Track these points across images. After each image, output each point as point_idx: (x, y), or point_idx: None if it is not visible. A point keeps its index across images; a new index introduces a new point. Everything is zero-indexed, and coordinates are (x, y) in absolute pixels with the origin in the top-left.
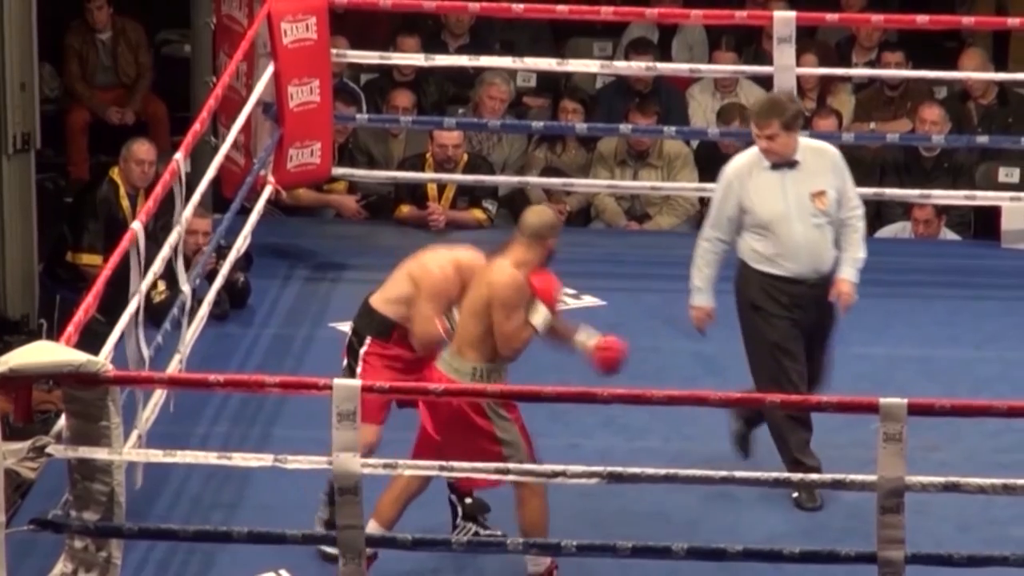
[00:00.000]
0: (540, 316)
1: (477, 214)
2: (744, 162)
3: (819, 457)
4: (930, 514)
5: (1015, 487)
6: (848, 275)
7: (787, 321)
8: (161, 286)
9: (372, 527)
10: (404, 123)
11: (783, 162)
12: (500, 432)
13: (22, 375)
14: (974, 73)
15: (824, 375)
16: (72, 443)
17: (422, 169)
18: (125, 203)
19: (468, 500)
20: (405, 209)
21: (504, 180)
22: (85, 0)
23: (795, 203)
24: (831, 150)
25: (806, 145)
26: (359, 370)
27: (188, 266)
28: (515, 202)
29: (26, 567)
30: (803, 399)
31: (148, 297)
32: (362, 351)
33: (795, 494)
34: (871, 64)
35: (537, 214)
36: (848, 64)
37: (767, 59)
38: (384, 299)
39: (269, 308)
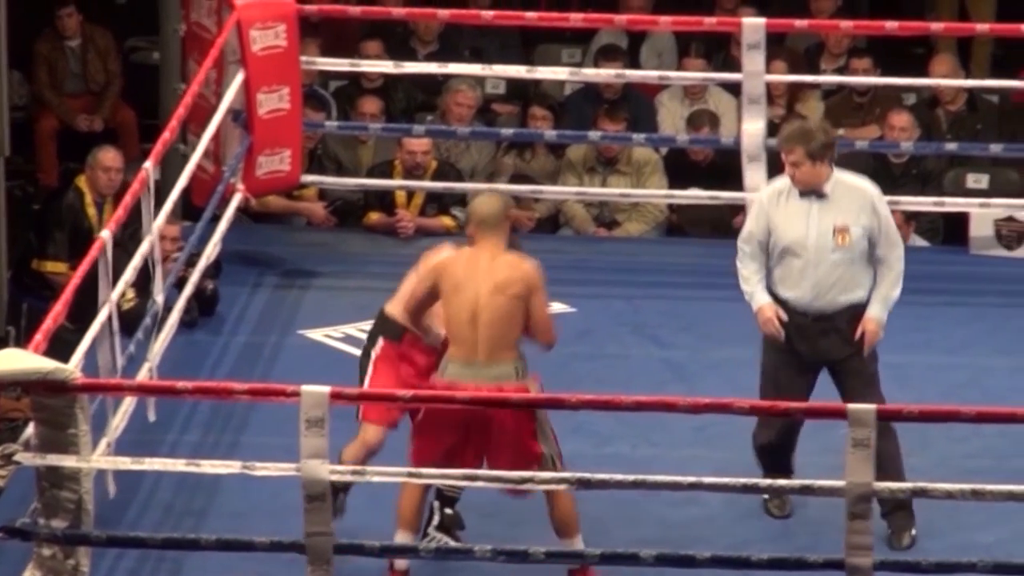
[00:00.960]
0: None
1: (446, 221)
2: (779, 186)
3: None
4: None
5: (983, 493)
6: (875, 312)
7: (785, 350)
8: (130, 294)
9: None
10: (373, 130)
11: (810, 191)
12: (539, 429)
13: None
14: (943, 80)
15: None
16: (40, 451)
17: (391, 176)
18: (91, 211)
19: (448, 512)
20: (374, 216)
21: (473, 187)
22: (55, 7)
23: (816, 235)
24: (869, 190)
25: (842, 179)
26: (369, 371)
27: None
28: None
29: None
30: (771, 405)
31: (117, 305)
32: (373, 353)
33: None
34: (840, 70)
35: (487, 204)
36: (817, 70)
37: (736, 66)
38: (396, 304)
39: (238, 315)
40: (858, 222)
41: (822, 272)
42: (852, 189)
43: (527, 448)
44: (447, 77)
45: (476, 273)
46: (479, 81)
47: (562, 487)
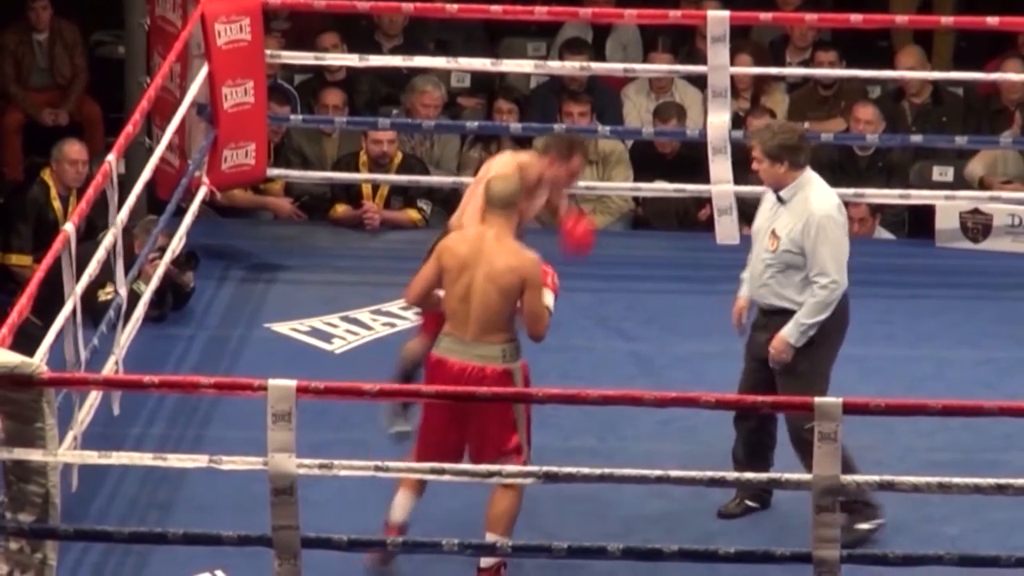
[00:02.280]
0: (549, 299)
1: (412, 214)
2: None
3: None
4: None
5: (949, 486)
6: (785, 331)
7: (748, 337)
8: (110, 287)
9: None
10: (338, 123)
11: (775, 191)
12: (518, 419)
13: None
14: (907, 72)
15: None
16: (7, 444)
17: (356, 167)
18: (56, 204)
19: None
20: (340, 209)
21: (439, 180)
22: (29, 0)
23: (763, 232)
24: (816, 213)
25: (806, 192)
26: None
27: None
28: (451, 204)
29: None
30: (738, 399)
31: (94, 297)
32: None
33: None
34: (805, 63)
35: (501, 185)
36: (782, 63)
37: (701, 59)
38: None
39: (205, 309)
40: (790, 235)
41: (757, 268)
42: (804, 203)
43: (504, 438)
44: (412, 72)
45: (478, 255)
46: (444, 75)
47: (528, 481)
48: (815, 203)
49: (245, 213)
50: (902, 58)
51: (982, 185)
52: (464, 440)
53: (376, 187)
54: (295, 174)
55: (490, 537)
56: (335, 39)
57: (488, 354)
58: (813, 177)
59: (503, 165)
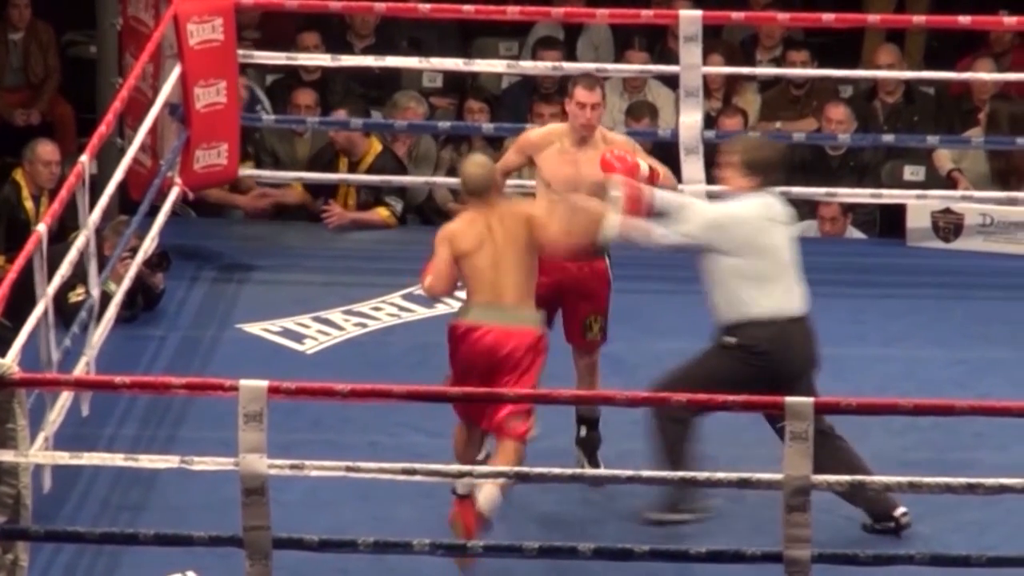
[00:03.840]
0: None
1: (382, 212)
2: None
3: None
4: (836, 513)
5: (920, 485)
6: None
7: None
8: (81, 288)
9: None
10: (310, 124)
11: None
12: (537, 383)
13: None
14: (879, 72)
15: None
16: None
17: (335, 160)
18: (28, 204)
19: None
20: (296, 191)
21: (410, 180)
22: None
23: None
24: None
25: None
26: None
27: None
28: (424, 210)
29: None
30: (709, 398)
31: (65, 298)
32: None
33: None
34: (775, 61)
35: (476, 167)
36: (753, 62)
37: (673, 58)
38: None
39: (177, 309)
40: None
41: None
42: None
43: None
44: (384, 71)
45: (489, 230)
46: (416, 75)
47: (500, 481)
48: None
49: (216, 212)
50: (879, 56)
51: (949, 178)
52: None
53: (350, 173)
54: (266, 174)
55: (487, 488)
56: (315, 39)
57: (528, 318)
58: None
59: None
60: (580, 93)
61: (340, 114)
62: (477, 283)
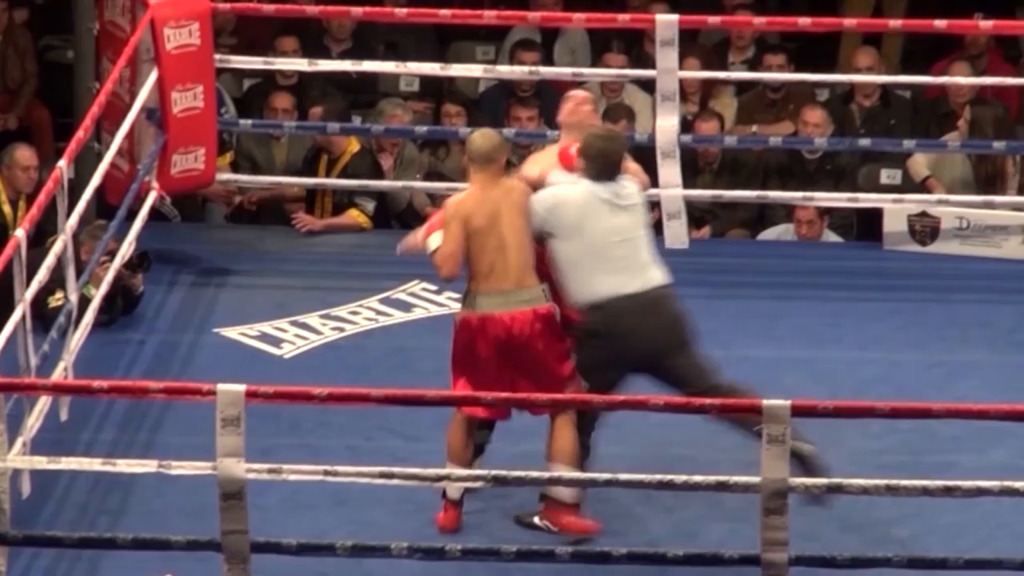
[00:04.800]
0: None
1: (353, 214)
2: None
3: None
4: (813, 515)
5: (898, 488)
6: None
7: None
8: (59, 293)
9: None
10: (287, 128)
11: None
12: (569, 350)
13: None
14: (856, 76)
15: None
16: None
17: (317, 156)
18: (6, 209)
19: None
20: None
21: (388, 185)
22: None
23: None
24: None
25: None
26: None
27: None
28: (403, 216)
29: None
30: (687, 401)
31: (44, 304)
32: None
33: None
34: (748, 63)
35: (483, 138)
36: (726, 64)
37: (650, 62)
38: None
39: (155, 314)
40: None
41: None
42: None
43: (561, 366)
44: (361, 75)
45: (497, 203)
46: (393, 79)
47: (478, 484)
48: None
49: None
50: (859, 58)
51: (924, 186)
52: (516, 378)
53: (327, 171)
54: (244, 178)
55: (559, 468)
56: (294, 44)
57: (534, 296)
58: (575, 183)
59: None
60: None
61: (317, 112)
62: (480, 268)
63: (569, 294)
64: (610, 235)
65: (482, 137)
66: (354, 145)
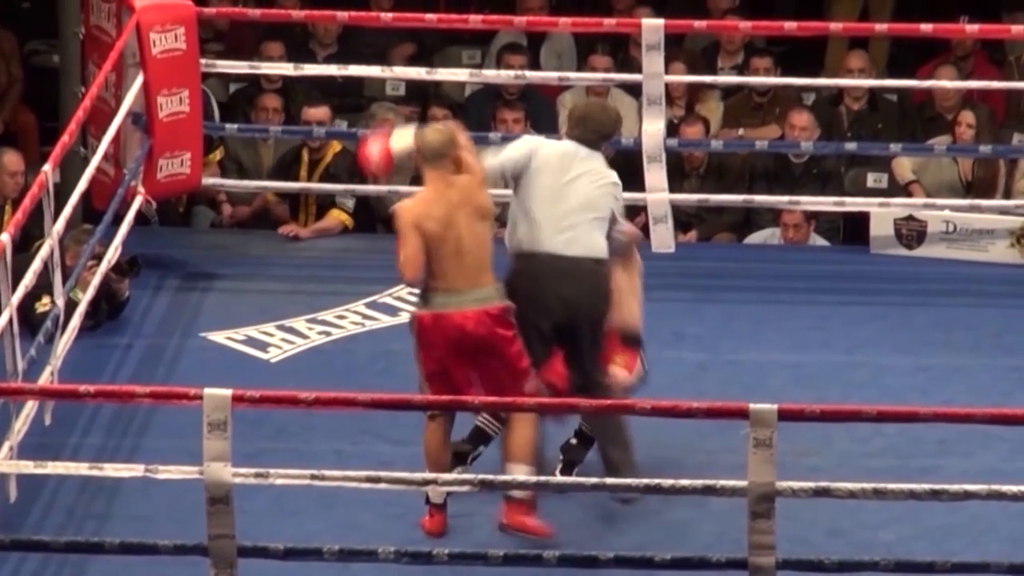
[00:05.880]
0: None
1: (336, 214)
2: None
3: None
4: (801, 519)
5: (885, 492)
6: None
7: None
8: (46, 298)
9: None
10: (273, 132)
11: None
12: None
13: None
14: (840, 80)
15: None
16: None
17: (298, 164)
18: None
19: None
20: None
21: (374, 189)
22: None
23: None
24: None
25: None
26: None
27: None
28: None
29: None
30: (673, 405)
31: (31, 309)
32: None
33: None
34: (737, 68)
35: (434, 133)
36: (715, 70)
37: (636, 66)
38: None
39: (141, 318)
40: None
41: None
42: None
43: (517, 361)
44: (347, 80)
45: (454, 206)
46: (379, 84)
47: (464, 488)
48: None
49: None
50: (850, 60)
51: (906, 190)
52: (471, 375)
53: (310, 172)
54: (230, 183)
55: (515, 468)
56: (280, 49)
57: (485, 295)
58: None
59: None
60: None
61: (308, 112)
62: (437, 269)
63: (508, 237)
64: (566, 195)
65: (433, 132)
66: (336, 144)
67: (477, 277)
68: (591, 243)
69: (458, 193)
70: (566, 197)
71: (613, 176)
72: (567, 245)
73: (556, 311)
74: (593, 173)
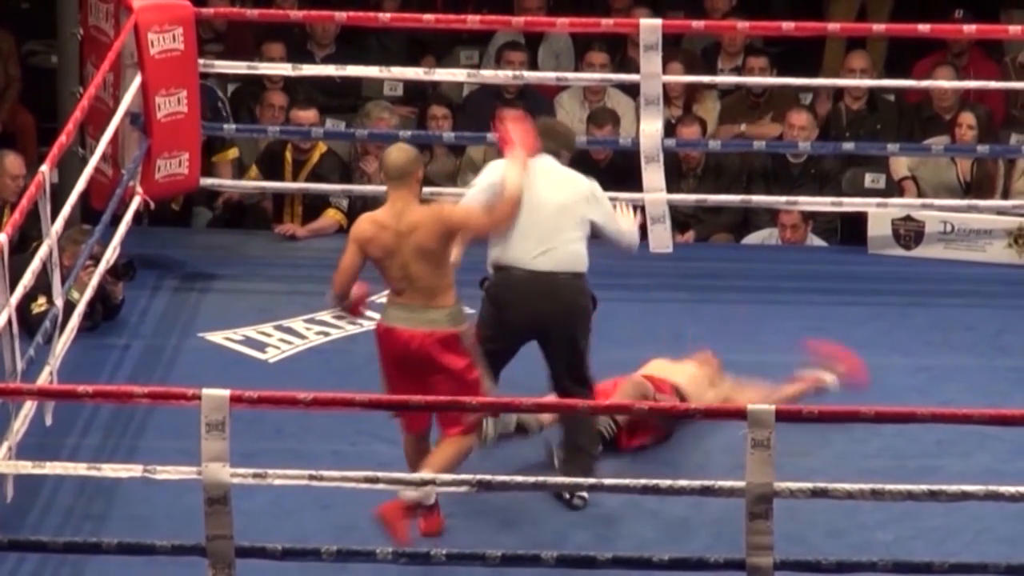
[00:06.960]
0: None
1: (331, 214)
2: None
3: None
4: (798, 520)
5: (883, 492)
6: None
7: None
8: (42, 299)
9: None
10: (272, 133)
11: None
12: (476, 360)
13: None
14: (838, 80)
15: None
16: None
17: (281, 162)
18: None
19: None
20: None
21: (372, 190)
22: None
23: None
24: None
25: None
26: None
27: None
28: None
29: None
30: (672, 406)
31: (28, 310)
32: None
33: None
34: (737, 69)
35: (396, 156)
36: (714, 70)
37: (634, 66)
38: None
39: (139, 319)
40: None
41: None
42: None
43: (464, 377)
44: (345, 80)
45: (400, 235)
46: (377, 84)
47: (462, 488)
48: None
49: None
50: (852, 60)
51: (898, 186)
52: (428, 388)
53: (295, 174)
54: (228, 183)
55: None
56: (280, 50)
57: (436, 319)
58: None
59: None
60: None
61: (296, 113)
62: (389, 284)
63: (489, 250)
64: (541, 208)
65: (397, 151)
66: (321, 146)
67: (430, 299)
68: (569, 257)
69: (408, 226)
70: (540, 211)
71: (587, 182)
72: (544, 260)
73: (524, 328)
74: (566, 184)
